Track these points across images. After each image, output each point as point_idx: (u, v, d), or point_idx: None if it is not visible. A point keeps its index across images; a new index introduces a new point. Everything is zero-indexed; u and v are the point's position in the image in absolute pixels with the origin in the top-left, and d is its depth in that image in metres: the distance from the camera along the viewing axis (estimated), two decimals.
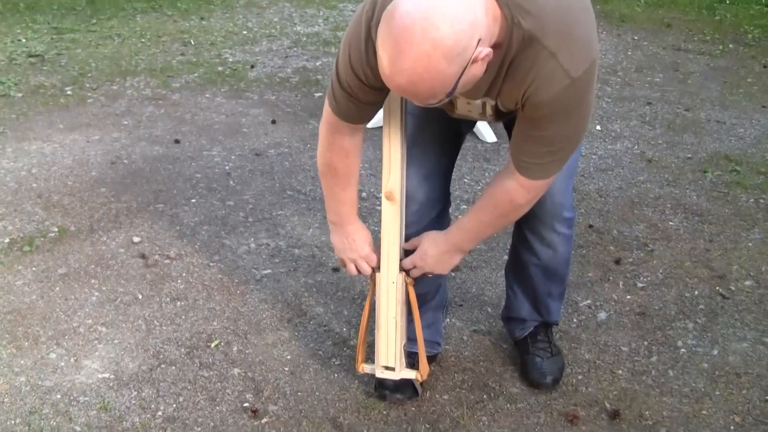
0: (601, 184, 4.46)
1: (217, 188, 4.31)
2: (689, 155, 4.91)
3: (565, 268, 2.75)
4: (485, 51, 1.76)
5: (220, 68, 6.53)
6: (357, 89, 2.11)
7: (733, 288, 3.46)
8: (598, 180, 4.51)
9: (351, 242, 2.49)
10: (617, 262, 3.65)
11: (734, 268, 3.62)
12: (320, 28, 7.97)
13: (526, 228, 2.62)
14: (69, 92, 5.87)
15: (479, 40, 1.73)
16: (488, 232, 2.40)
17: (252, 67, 6.58)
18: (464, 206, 4.12)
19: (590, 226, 3.96)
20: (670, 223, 4.05)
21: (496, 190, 2.23)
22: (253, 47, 7.23)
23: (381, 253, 2.46)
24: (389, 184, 2.36)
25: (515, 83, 1.95)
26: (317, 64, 6.69)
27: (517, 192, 2.18)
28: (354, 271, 2.53)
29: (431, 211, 2.52)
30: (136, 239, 3.76)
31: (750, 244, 3.85)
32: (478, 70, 1.80)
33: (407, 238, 2.47)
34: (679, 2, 9.68)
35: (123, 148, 4.83)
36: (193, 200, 4.17)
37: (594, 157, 4.83)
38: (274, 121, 5.32)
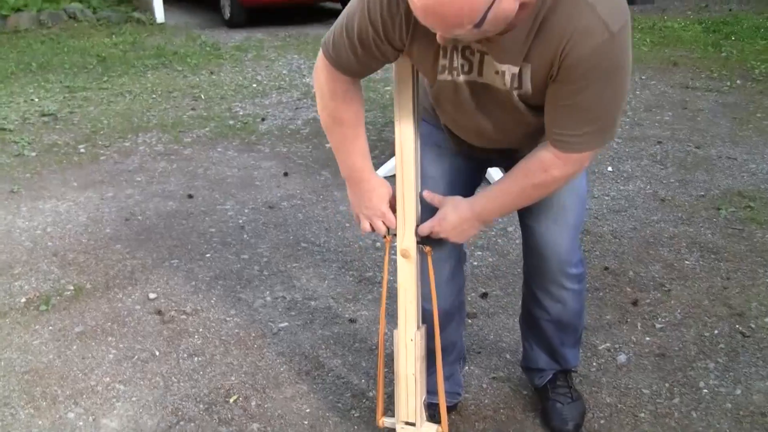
0: (615, 225, 4.45)
1: (231, 242, 4.32)
2: (702, 193, 4.90)
3: (578, 320, 2.73)
4: None
5: (231, 122, 6.57)
6: (367, 41, 2.04)
7: (753, 326, 3.43)
8: (612, 221, 4.50)
9: (367, 199, 2.36)
10: (634, 303, 3.63)
11: (753, 305, 3.60)
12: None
13: (535, 285, 2.60)
14: (82, 150, 5.92)
15: None
16: (516, 203, 2.25)
17: (263, 119, 6.63)
18: (479, 252, 4.12)
19: (606, 268, 3.94)
20: (686, 262, 4.03)
21: (530, 159, 2.12)
22: (263, 100, 7.29)
23: (398, 310, 2.40)
24: (404, 242, 2.33)
25: (550, 41, 1.88)
26: None
27: (552, 163, 2.08)
28: (368, 228, 2.40)
29: (445, 265, 2.49)
30: (152, 295, 3.77)
31: None
32: (509, 6, 1.72)
33: (423, 296, 2.43)
34: (685, 40, 9.73)
35: (137, 205, 4.85)
36: (208, 255, 4.18)
37: (607, 198, 4.83)
38: (286, 174, 5.34)
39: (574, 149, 2.03)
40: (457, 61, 2.03)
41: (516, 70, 1.97)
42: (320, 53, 2.17)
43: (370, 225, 2.39)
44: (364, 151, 2.32)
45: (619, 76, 1.93)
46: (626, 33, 1.89)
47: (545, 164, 2.08)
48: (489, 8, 1.67)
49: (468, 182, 2.52)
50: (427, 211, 2.33)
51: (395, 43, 2.03)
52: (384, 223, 2.36)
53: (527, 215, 2.48)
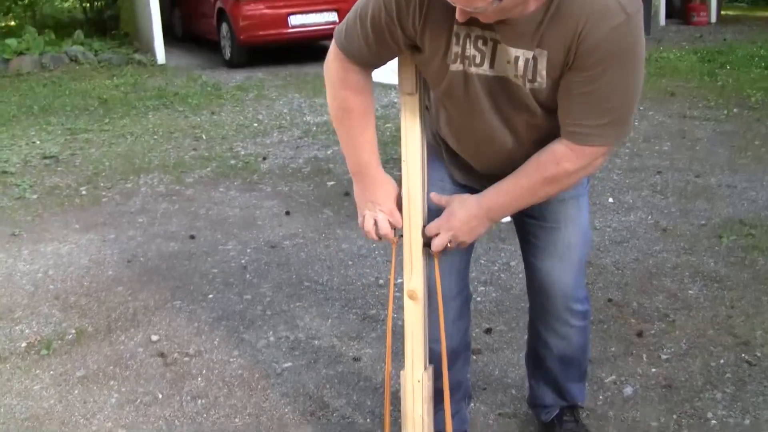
0: (617, 256, 4.44)
1: (234, 283, 4.31)
2: (703, 222, 4.90)
3: (582, 355, 2.71)
4: None
5: (232, 162, 6.59)
6: (379, 25, 2.04)
7: (759, 354, 3.41)
8: (614, 253, 4.49)
9: (372, 194, 2.30)
10: (639, 334, 3.61)
11: (758, 334, 3.58)
12: (329, 117, 8.04)
13: (539, 323, 2.59)
14: (84, 192, 5.93)
15: None
16: (525, 199, 2.17)
17: (264, 159, 6.65)
18: (482, 288, 4.11)
19: (609, 300, 3.93)
20: (690, 291, 4.02)
21: (543, 153, 2.09)
22: (264, 139, 7.31)
23: (405, 352, 2.37)
24: (411, 283, 2.30)
25: (567, 24, 1.88)
26: (328, 153, 6.74)
27: (565, 155, 2.05)
28: (372, 234, 2.32)
29: (451, 304, 2.46)
30: (154, 338, 3.76)
31: None
32: None
33: (431, 338, 2.39)
34: (681, 70, 9.78)
35: (139, 246, 4.85)
36: (211, 296, 4.17)
37: (608, 229, 4.82)
38: (288, 213, 5.34)
39: (589, 141, 2.01)
40: (470, 51, 2.02)
41: (530, 55, 1.96)
42: (332, 43, 2.18)
43: (375, 227, 2.32)
44: (371, 145, 2.29)
45: (634, 62, 1.94)
46: (641, 18, 1.90)
47: (557, 156, 2.05)
48: None
49: None
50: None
51: (407, 29, 2.02)
52: (390, 222, 2.30)
53: (532, 253, 2.47)
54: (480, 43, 2.01)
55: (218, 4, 11.95)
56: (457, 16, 1.86)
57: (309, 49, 12.20)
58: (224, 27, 11.79)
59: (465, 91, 2.09)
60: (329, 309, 3.98)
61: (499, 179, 2.20)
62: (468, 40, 2.00)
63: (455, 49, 2.02)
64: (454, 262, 2.44)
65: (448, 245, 2.25)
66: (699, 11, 14.46)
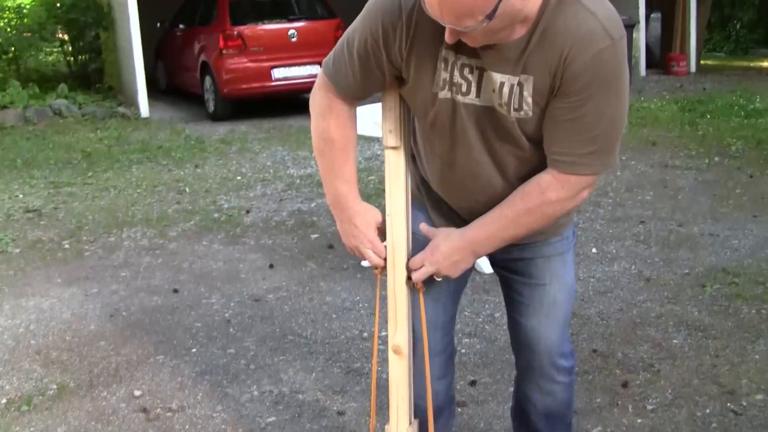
0: (601, 307, 4.45)
1: (217, 336, 4.29)
2: (687, 271, 4.91)
3: (568, 410, 2.68)
4: None
5: (215, 215, 6.59)
6: (365, 53, 2.07)
7: (744, 403, 3.41)
8: (598, 303, 4.49)
9: (353, 227, 2.28)
10: (624, 385, 3.60)
11: (743, 383, 3.58)
12: (313, 170, 8.07)
13: (525, 379, 2.56)
14: (66, 246, 5.91)
15: None
16: (509, 231, 2.13)
17: (247, 212, 6.65)
18: (466, 339, 4.10)
19: (594, 351, 3.92)
20: (674, 341, 4.02)
21: (528, 183, 2.08)
22: (247, 192, 7.32)
23: (390, 405, 2.33)
24: (396, 338, 2.28)
25: (552, 48, 1.90)
26: (312, 205, 6.75)
27: (550, 185, 2.03)
28: (358, 254, 2.32)
29: (437, 360, 2.44)
30: (137, 393, 3.72)
31: (757, 356, 3.82)
32: (517, 3, 1.79)
33: (416, 394, 2.37)
34: (662, 120, 9.87)
35: (121, 300, 4.83)
36: (194, 350, 4.15)
37: (592, 280, 4.83)
38: (271, 266, 5.33)
39: (574, 170, 2.01)
40: (457, 78, 2.02)
41: (515, 80, 1.96)
42: (320, 72, 2.20)
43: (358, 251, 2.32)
44: (351, 178, 2.28)
45: (619, 88, 1.95)
46: (625, 45, 1.92)
47: (542, 186, 2.04)
48: (500, 1, 1.74)
49: (461, 285, 2.51)
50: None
51: (393, 55, 2.03)
52: (374, 251, 2.28)
53: (516, 311, 2.44)
54: (466, 71, 2.01)
55: (202, 58, 12.01)
56: (446, 36, 1.87)
57: (292, 102, 12.27)
58: (208, 80, 11.84)
59: (452, 120, 2.09)
60: (313, 363, 3.96)
61: None
62: (455, 68, 2.01)
63: (443, 75, 2.03)
64: (439, 316, 2.42)
65: (435, 278, 2.23)
66: (679, 61, 14.62)
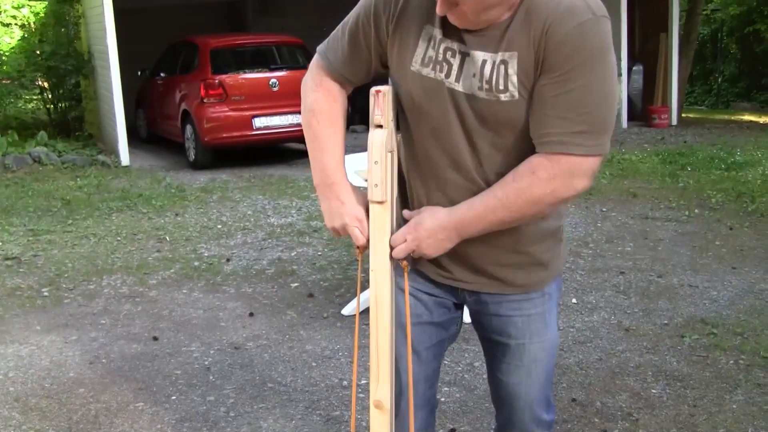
0: (580, 356, 4.46)
1: (197, 384, 4.27)
2: (666, 321, 4.95)
3: None
4: None
5: (196, 263, 6.58)
6: (355, 28, 2.14)
7: None
8: (578, 353, 4.51)
9: (339, 204, 2.19)
10: None
11: None
12: (293, 218, 8.10)
13: None
14: (46, 293, 5.89)
15: None
16: (498, 213, 2.04)
17: (228, 260, 6.65)
18: (446, 388, 4.10)
19: (573, 400, 3.94)
20: (653, 390, 4.04)
21: (520, 165, 2.01)
22: (228, 241, 7.32)
23: None
24: (378, 393, 2.21)
25: (534, 23, 1.92)
26: (292, 254, 6.76)
27: (541, 164, 1.98)
28: (343, 234, 2.22)
29: (418, 414, 2.40)
30: None
31: (734, 406, 3.84)
32: None
33: None
34: (643, 172, 9.97)
35: (101, 348, 4.81)
36: (174, 397, 4.13)
37: (572, 330, 4.85)
38: (251, 314, 5.33)
39: (565, 149, 1.96)
40: (441, 57, 2.04)
41: (498, 58, 1.98)
42: (315, 58, 2.27)
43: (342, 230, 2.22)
44: (338, 153, 2.23)
45: (605, 65, 1.95)
46: (608, 25, 1.95)
47: (533, 164, 1.99)
48: None
49: (443, 339, 2.45)
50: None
51: (381, 32, 2.07)
52: (360, 230, 2.18)
53: (497, 368, 2.40)
54: (449, 54, 2.04)
55: (183, 106, 12.05)
56: (438, 7, 1.90)
57: (273, 151, 12.32)
58: (189, 128, 11.87)
59: (435, 101, 2.08)
60: (293, 410, 3.95)
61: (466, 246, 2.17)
62: (440, 48, 2.04)
63: (430, 53, 2.06)
64: (423, 369, 2.39)
65: (412, 254, 2.16)
66: (660, 114, 14.78)
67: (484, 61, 1.99)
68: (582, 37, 1.90)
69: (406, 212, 2.21)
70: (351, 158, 4.74)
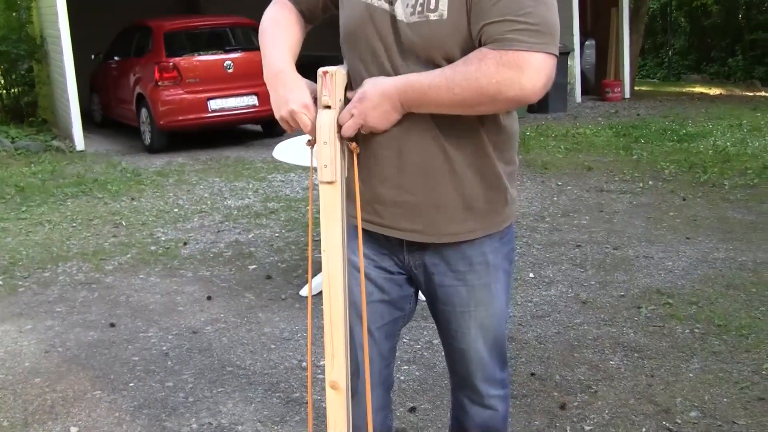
0: (539, 331, 4.49)
1: (155, 370, 4.24)
2: (622, 293, 4.99)
3: (504, 423, 2.69)
4: None
5: (152, 248, 6.53)
6: None
7: (679, 421, 3.47)
8: (536, 327, 4.54)
9: (288, 90, 2.13)
10: (562, 407, 3.64)
11: (678, 401, 3.64)
12: (251, 200, 8.05)
13: (462, 394, 2.57)
14: (0, 282, 5.81)
15: None
16: (443, 94, 2.00)
17: (185, 244, 6.60)
18: (405, 366, 4.11)
19: (532, 374, 3.96)
20: (611, 362, 4.07)
21: (471, 53, 1.99)
22: (185, 224, 7.26)
23: None
24: (333, 373, 2.21)
25: None
26: (250, 236, 6.72)
27: (489, 53, 1.94)
28: (292, 124, 2.16)
29: (373, 393, 2.38)
30: (73, 429, 3.66)
31: (691, 375, 3.89)
32: None
33: (354, 427, 2.31)
34: (598, 145, 10.04)
35: (57, 336, 4.75)
36: (131, 384, 4.10)
37: (530, 304, 4.87)
38: (209, 297, 5.30)
39: (510, 45, 1.93)
40: None
41: None
42: None
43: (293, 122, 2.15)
44: (283, 47, 2.23)
45: None
46: None
47: (482, 53, 1.96)
48: None
49: (397, 299, 2.44)
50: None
51: None
52: (308, 116, 2.11)
53: (447, 335, 2.42)
54: None
55: (137, 90, 11.93)
56: None
57: (229, 133, 12.24)
58: (144, 112, 11.76)
59: (363, 27, 2.12)
60: (252, 394, 3.94)
61: (411, 210, 2.20)
62: None
63: None
64: (379, 347, 2.40)
65: (362, 130, 2.11)
66: (613, 87, 14.88)
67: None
68: None
69: (349, 93, 2.15)
70: (301, 139, 4.73)
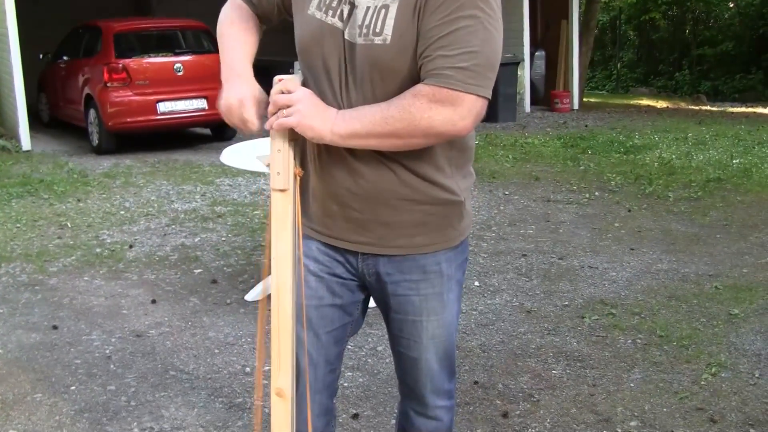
0: (483, 339, 4.52)
1: (97, 373, 4.20)
2: (566, 303, 5.04)
3: None
4: None
5: (98, 250, 6.46)
6: None
7: (619, 430, 3.52)
8: (480, 335, 4.57)
9: (230, 86, 2.17)
10: (504, 415, 3.67)
11: (619, 410, 3.69)
12: (198, 204, 8.01)
13: (409, 405, 2.58)
14: None
15: None
16: (378, 125, 2.01)
17: (130, 246, 6.54)
18: (349, 373, 4.11)
19: (475, 382, 3.98)
20: (554, 371, 4.11)
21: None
22: (131, 227, 7.20)
23: None
24: (279, 381, 2.19)
25: None
26: (196, 240, 6.69)
27: (423, 89, 1.97)
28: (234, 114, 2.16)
29: (316, 398, 2.41)
30: None
31: (632, 385, 3.94)
32: None
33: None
34: (545, 155, 10.13)
35: None
36: (73, 387, 4.06)
37: (474, 312, 4.91)
38: (154, 301, 5.26)
39: (447, 83, 1.96)
40: (336, 2, 2.09)
41: (380, 3, 2.02)
42: None
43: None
44: (248, 51, 2.26)
45: (489, 6, 1.98)
46: None
47: (417, 89, 1.99)
48: None
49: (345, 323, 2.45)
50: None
51: None
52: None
53: (398, 344, 2.43)
54: (335, 2, 2.09)
55: (86, 90, 11.80)
56: None
57: (178, 136, 12.16)
58: (92, 113, 11.63)
59: (323, 44, 2.12)
60: (195, 398, 3.92)
61: (360, 225, 2.21)
62: None
63: None
64: (324, 353, 2.40)
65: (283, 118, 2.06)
66: (562, 98, 15.05)
67: (367, 8, 2.04)
68: None
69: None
70: (255, 143, 4.73)
